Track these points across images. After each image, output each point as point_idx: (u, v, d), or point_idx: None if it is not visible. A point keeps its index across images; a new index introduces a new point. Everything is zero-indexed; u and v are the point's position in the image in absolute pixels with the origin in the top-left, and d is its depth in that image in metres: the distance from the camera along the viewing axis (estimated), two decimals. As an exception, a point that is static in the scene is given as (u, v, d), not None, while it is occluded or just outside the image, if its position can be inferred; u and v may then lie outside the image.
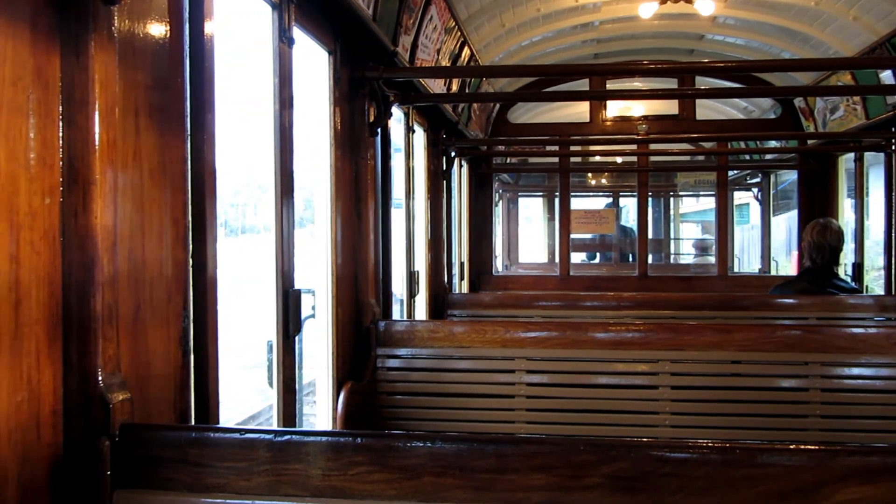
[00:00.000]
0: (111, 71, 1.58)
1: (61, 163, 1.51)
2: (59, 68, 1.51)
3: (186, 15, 2.02)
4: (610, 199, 13.72)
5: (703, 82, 6.87)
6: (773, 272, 8.85)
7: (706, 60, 6.67)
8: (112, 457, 1.54)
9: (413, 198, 5.14)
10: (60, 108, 1.51)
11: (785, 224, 10.27)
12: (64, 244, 1.52)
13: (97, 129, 1.53)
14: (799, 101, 6.81)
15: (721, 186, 7.61)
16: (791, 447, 1.49)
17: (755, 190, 9.90)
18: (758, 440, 3.28)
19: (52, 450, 1.50)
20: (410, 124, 5.05)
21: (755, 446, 1.53)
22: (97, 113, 1.52)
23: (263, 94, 2.74)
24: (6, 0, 1.39)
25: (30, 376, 1.44)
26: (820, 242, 4.57)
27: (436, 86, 4.86)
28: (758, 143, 8.47)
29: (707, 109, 8.09)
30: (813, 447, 1.48)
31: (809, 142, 6.99)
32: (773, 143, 8.30)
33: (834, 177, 6.96)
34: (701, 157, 9.25)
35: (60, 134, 1.51)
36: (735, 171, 9.78)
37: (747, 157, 9.07)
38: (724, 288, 7.03)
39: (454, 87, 5.53)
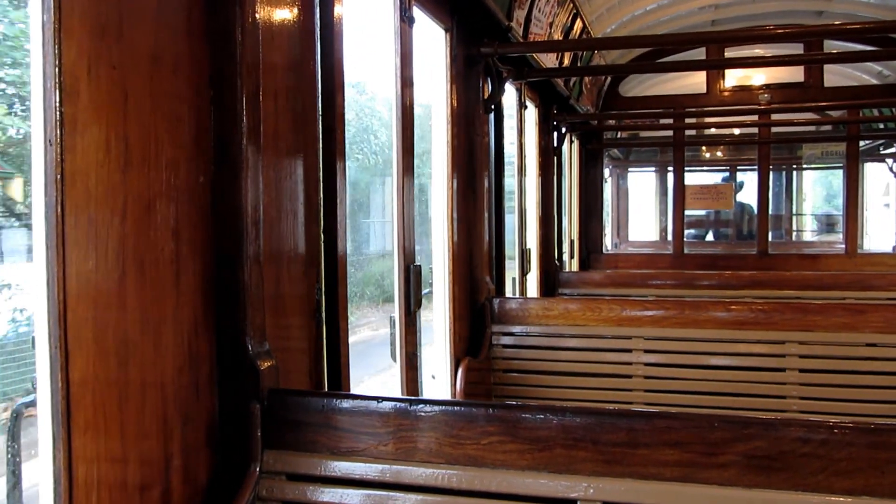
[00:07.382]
0: (255, 56, 1.66)
1: (213, 144, 1.62)
2: (209, 55, 1.61)
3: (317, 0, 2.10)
4: (726, 174, 13.08)
5: (832, 46, 6.36)
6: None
7: (837, 22, 6.15)
8: (262, 420, 1.65)
9: (525, 175, 5.12)
10: (211, 94, 1.62)
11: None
12: (215, 220, 1.63)
13: (244, 112, 1.62)
14: (946, 64, 6.18)
15: (851, 158, 7.12)
16: None
17: (890, 161, 9.14)
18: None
19: (209, 411, 1.63)
20: (523, 100, 5.01)
21: None
22: (244, 97, 1.61)
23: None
24: None
25: (189, 343, 1.56)
26: None
27: (548, 60, 4.79)
28: (894, 110, 7.78)
29: (836, 75, 7.46)
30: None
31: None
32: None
33: None
34: (828, 127, 8.63)
35: (212, 117, 1.62)
36: (867, 142, 9.05)
37: (881, 125, 8.35)
38: (854, 267, 6.57)
39: (566, 62, 5.43)
